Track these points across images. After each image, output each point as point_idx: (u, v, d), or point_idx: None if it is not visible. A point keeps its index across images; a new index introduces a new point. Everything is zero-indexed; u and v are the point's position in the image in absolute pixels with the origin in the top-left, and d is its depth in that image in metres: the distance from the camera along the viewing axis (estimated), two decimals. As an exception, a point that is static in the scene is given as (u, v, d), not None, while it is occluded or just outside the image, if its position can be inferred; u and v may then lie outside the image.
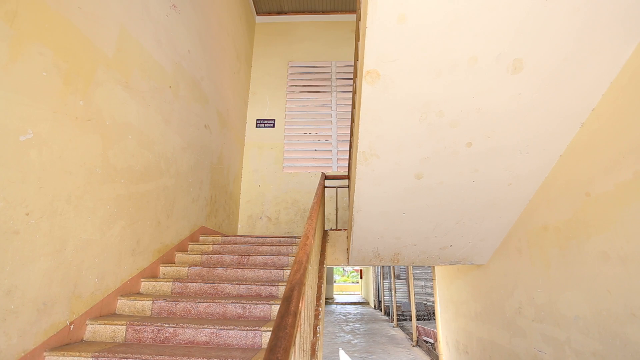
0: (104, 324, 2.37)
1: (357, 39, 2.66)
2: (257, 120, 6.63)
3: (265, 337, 2.27)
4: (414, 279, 11.45)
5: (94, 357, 2.02)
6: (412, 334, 9.47)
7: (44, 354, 2.04)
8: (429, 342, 8.40)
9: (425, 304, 12.49)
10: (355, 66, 3.06)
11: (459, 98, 2.36)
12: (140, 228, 3.04)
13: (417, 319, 10.11)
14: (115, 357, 2.02)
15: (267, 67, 6.94)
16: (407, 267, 11.98)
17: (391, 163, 2.81)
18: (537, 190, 3.08)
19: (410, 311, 10.47)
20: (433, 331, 8.13)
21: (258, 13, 7.22)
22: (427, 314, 11.98)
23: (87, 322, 2.37)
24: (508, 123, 2.51)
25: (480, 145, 2.68)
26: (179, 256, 3.62)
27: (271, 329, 2.26)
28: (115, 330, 2.36)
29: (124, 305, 2.70)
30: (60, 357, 2.04)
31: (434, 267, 7.08)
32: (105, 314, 2.57)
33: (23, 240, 1.93)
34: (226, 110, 5.41)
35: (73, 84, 2.29)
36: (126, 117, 2.85)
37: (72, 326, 2.26)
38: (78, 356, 2.03)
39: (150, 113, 3.20)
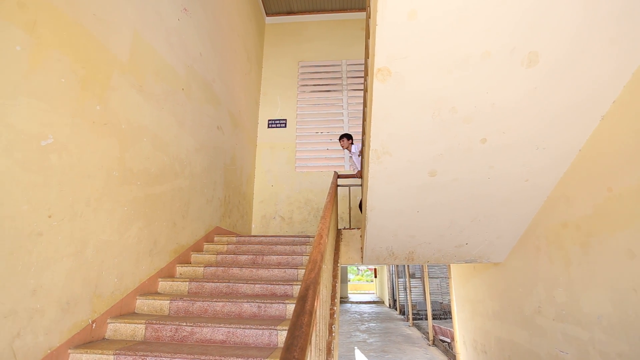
0: (124, 322, 2.43)
1: (367, 36, 2.64)
2: (269, 120, 6.66)
3: (281, 335, 2.28)
4: (430, 277, 11.32)
5: (116, 354, 2.08)
6: (428, 333, 9.37)
7: (69, 351, 2.11)
8: (446, 342, 8.30)
9: (441, 303, 12.35)
10: (365, 64, 3.04)
11: (472, 93, 2.32)
12: (157, 229, 3.10)
13: (433, 318, 9.99)
14: (136, 355, 2.07)
15: (277, 67, 6.97)
16: (422, 265, 11.87)
17: (404, 161, 2.79)
18: (556, 186, 3.01)
19: (426, 310, 10.37)
20: (450, 330, 8.02)
21: (267, 14, 7.26)
22: (443, 313, 11.83)
23: (108, 320, 2.44)
24: (524, 118, 2.45)
25: (495, 141, 2.63)
26: (194, 256, 3.68)
27: (287, 327, 2.27)
28: (135, 329, 2.41)
29: (142, 304, 2.76)
30: (84, 355, 2.10)
31: (449, 265, 6.98)
32: (125, 313, 2.63)
33: (46, 242, 1.99)
34: (238, 111, 5.46)
35: (90, 89, 2.35)
36: (141, 120, 2.91)
37: (94, 325, 2.32)
38: (101, 354, 2.09)
39: (164, 116, 3.26)
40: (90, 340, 2.28)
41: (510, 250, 3.87)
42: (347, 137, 5.11)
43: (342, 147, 5.09)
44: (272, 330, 2.30)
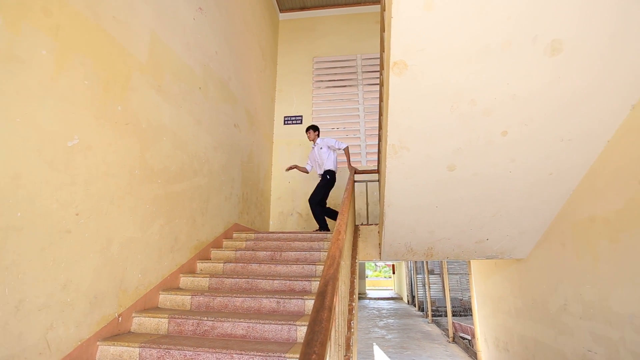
0: (149, 316, 2.51)
1: (382, 29, 2.60)
2: (285, 117, 6.69)
3: (300, 331, 2.30)
4: (449, 273, 11.13)
5: (141, 347, 2.15)
6: (447, 330, 9.25)
7: (97, 343, 2.19)
8: (466, 339, 8.18)
9: (461, 299, 12.15)
10: (381, 58, 3.00)
11: (493, 85, 2.25)
12: (178, 226, 3.18)
13: (453, 315, 9.85)
14: (160, 349, 2.13)
15: (292, 63, 6.97)
16: (441, 261, 11.70)
17: (422, 155, 2.74)
18: (582, 179, 2.89)
19: (446, 307, 10.23)
20: (470, 327, 7.89)
21: (281, 10, 7.26)
22: (463, 310, 11.65)
23: (133, 314, 2.52)
24: (547, 109, 2.37)
25: (516, 134, 2.55)
26: (214, 252, 3.75)
27: (306, 323, 2.29)
28: (158, 323, 2.48)
29: (165, 299, 2.83)
30: (112, 347, 2.19)
31: (469, 261, 6.86)
32: (149, 307, 2.71)
33: (74, 239, 2.07)
34: (254, 108, 5.50)
35: (111, 90, 2.42)
36: (160, 120, 2.97)
37: (120, 318, 2.41)
38: (127, 346, 2.16)
39: (182, 115, 3.32)
40: (116, 333, 2.37)
41: (533, 246, 3.76)
42: (313, 128, 4.97)
43: (309, 139, 4.99)
44: (291, 326, 2.32)
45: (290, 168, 4.99)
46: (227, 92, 4.44)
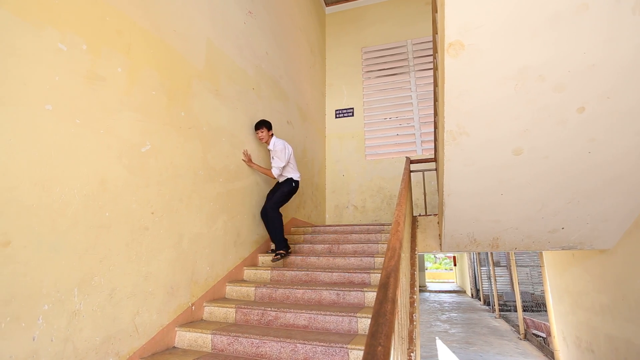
0: (218, 306, 2.70)
1: (435, 10, 2.46)
2: (336, 110, 6.69)
3: (360, 323, 2.31)
4: (517, 265, 10.35)
5: (213, 333, 2.32)
6: (518, 326, 8.63)
7: (176, 329, 2.42)
8: (540, 336, 7.56)
9: (532, 294, 11.24)
10: (434, 40, 2.85)
11: (565, 57, 2.02)
12: (239, 222, 3.36)
13: (524, 310, 9.14)
14: (230, 336, 2.28)
15: (340, 56, 6.93)
16: (508, 253, 10.91)
17: (483, 140, 2.56)
18: (683, 157, 2.49)
19: (515, 301, 9.54)
20: (545, 324, 7.28)
21: (327, 4, 7.23)
22: (535, 305, 10.76)
23: (204, 304, 2.73)
24: (635, 77, 2.06)
25: (596, 109, 2.26)
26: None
27: (366, 315, 2.29)
28: (227, 313, 2.66)
29: (231, 290, 3.02)
30: (187, 333, 2.39)
31: (541, 252, 6.30)
32: (217, 298, 2.91)
33: (152, 235, 2.30)
34: (305, 104, 5.58)
35: (175, 98, 2.62)
36: (219, 122, 3.15)
37: (193, 307, 2.62)
38: (201, 332, 2.35)
39: (238, 115, 3.48)
40: (190, 320, 2.58)
41: (621, 235, 3.34)
42: (265, 125, 3.68)
43: (261, 139, 3.71)
44: (352, 317, 2.34)
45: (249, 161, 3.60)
46: (279, 90, 4.55)
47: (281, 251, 3.44)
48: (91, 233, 1.89)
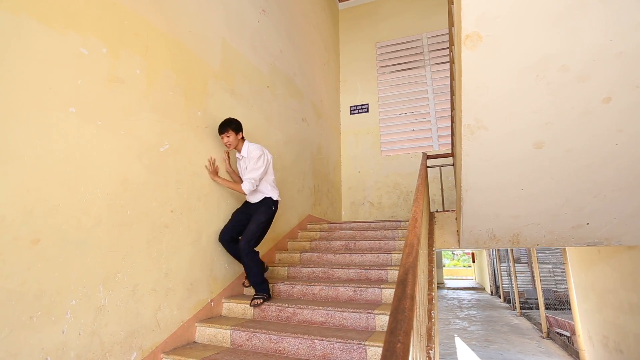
0: (236, 302, 2.74)
1: (450, 1, 2.41)
2: (351, 107, 6.65)
3: (378, 319, 2.30)
4: (539, 262, 10.07)
5: (232, 329, 2.36)
6: (540, 324, 8.42)
7: (196, 324, 2.47)
8: (564, 335, 7.35)
9: (555, 291, 10.93)
10: (450, 33, 2.79)
11: (589, 45, 1.94)
12: (256, 219, 3.39)
13: (546, 308, 8.90)
14: (248, 331, 2.31)
15: (354, 52, 6.87)
16: (529, 249, 10.62)
17: (502, 134, 2.50)
18: None
19: (537, 299, 9.30)
20: (569, 323, 7.07)
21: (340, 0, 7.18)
22: (558, 303, 10.47)
23: (222, 300, 2.77)
24: (666, 65, 1.96)
25: (623, 99, 2.16)
26: (290, 243, 3.93)
27: (384, 312, 2.28)
28: (245, 309, 2.70)
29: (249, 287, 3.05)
30: (207, 329, 2.44)
31: (564, 248, 6.11)
32: (235, 294, 2.96)
33: (172, 232, 2.35)
34: (320, 101, 5.57)
35: (191, 98, 2.66)
36: (235, 121, 3.18)
37: (212, 303, 2.67)
38: (220, 328, 2.40)
39: (253, 114, 3.51)
40: (210, 316, 2.63)
41: (650, 230, 3.20)
42: (232, 127, 2.78)
43: (228, 146, 2.81)
44: (369, 314, 2.33)
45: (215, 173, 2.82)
46: (294, 88, 4.56)
47: (263, 295, 2.68)
48: (114, 231, 1.95)
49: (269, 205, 2.89)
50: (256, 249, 2.82)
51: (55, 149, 1.70)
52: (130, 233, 2.06)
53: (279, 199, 3.01)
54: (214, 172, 2.81)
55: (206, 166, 2.77)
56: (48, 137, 1.68)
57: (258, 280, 2.73)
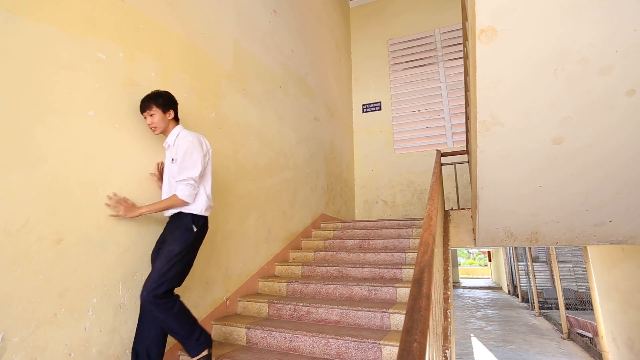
0: (251, 301, 2.76)
1: (465, -5, 2.36)
2: (363, 105, 6.62)
3: (393, 318, 2.29)
4: (559, 261, 9.80)
5: (247, 328, 2.38)
6: (560, 324, 8.21)
7: (212, 322, 2.51)
8: (586, 337, 7.14)
9: (576, 291, 10.61)
10: (464, 28, 2.74)
11: (611, 36, 1.87)
12: (270, 218, 3.42)
13: (567, 308, 8.67)
14: (263, 330, 2.33)
15: (366, 50, 6.83)
16: (548, 247, 10.36)
17: (519, 130, 2.44)
18: None
19: (556, 298, 9.06)
20: (591, 323, 6.86)
21: (352, -3, 7.14)
22: (579, 303, 10.16)
23: (237, 299, 2.81)
24: (693, 55, 1.88)
25: (648, 92, 2.08)
26: (304, 242, 3.94)
27: (399, 311, 2.26)
28: (260, 307, 2.72)
29: (264, 286, 3.09)
30: (223, 327, 2.47)
31: (585, 247, 5.94)
32: (250, 293, 2.99)
33: (187, 232, 2.38)
34: (332, 100, 5.57)
35: (205, 99, 2.70)
36: (248, 121, 3.21)
37: (227, 302, 2.71)
38: (235, 326, 2.43)
39: (266, 114, 3.53)
40: (225, 314, 2.67)
41: (677, 228, 3.07)
42: (158, 102, 2.00)
43: (153, 128, 2.02)
44: (384, 313, 2.32)
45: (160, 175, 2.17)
46: (306, 88, 4.57)
47: (203, 353, 1.93)
48: (132, 230, 2.00)
49: (186, 227, 1.93)
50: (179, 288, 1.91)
51: (75, 151, 1.75)
52: (148, 232, 2.10)
53: (206, 213, 2.03)
54: (129, 208, 1.88)
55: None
56: (69, 140, 1.73)
57: (184, 332, 1.85)
